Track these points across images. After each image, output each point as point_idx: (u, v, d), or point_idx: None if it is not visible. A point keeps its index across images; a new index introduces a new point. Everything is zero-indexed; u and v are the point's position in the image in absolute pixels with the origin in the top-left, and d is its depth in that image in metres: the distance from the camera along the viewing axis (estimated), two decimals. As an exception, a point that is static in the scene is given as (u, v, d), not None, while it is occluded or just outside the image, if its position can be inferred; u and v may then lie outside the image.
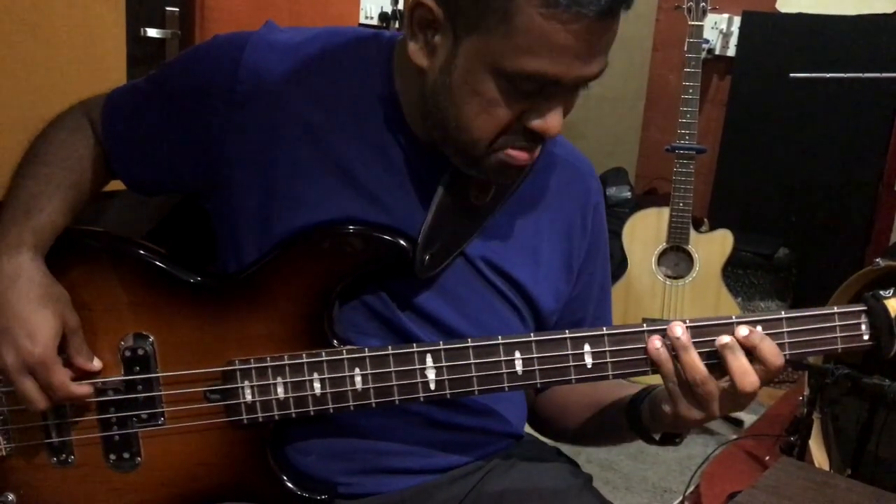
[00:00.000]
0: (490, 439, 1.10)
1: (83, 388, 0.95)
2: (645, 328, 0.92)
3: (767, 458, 2.46)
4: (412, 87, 0.95)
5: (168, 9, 2.10)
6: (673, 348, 0.89)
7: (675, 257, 2.79)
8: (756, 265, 3.20)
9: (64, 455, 0.98)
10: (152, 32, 2.08)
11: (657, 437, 1.00)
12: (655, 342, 0.90)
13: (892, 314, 0.92)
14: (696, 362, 0.88)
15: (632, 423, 1.01)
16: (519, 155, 0.91)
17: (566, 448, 1.18)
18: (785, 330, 0.92)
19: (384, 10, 2.89)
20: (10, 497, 0.98)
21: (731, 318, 0.92)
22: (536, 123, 0.88)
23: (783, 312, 0.92)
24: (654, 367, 0.91)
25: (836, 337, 0.92)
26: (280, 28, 1.02)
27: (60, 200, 0.98)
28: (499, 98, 0.86)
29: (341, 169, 0.97)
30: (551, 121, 0.88)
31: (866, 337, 0.93)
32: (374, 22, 2.86)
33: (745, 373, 0.87)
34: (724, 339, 0.88)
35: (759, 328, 0.90)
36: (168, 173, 1.04)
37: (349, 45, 1.00)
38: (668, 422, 0.94)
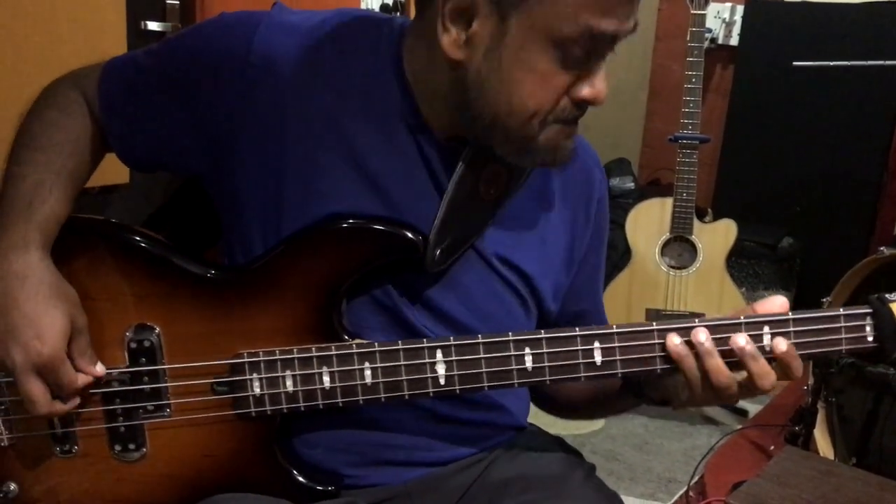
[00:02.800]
0: (494, 431, 1.10)
1: (90, 387, 0.94)
2: (654, 327, 0.93)
3: (772, 447, 2.46)
4: (429, 78, 0.94)
5: (168, 1, 2.10)
6: (697, 354, 0.91)
7: (679, 247, 2.78)
8: (760, 255, 3.19)
9: (68, 445, 0.97)
10: (153, 25, 2.07)
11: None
12: (674, 338, 0.91)
13: None
14: (720, 366, 0.91)
15: (630, 387, 1.03)
16: (566, 131, 0.93)
17: (569, 438, 1.18)
18: (791, 330, 0.94)
19: (385, 0, 2.88)
20: (13, 487, 0.97)
21: (739, 318, 0.94)
22: (587, 92, 0.90)
23: (790, 313, 0.94)
24: (675, 363, 0.92)
25: (840, 338, 0.95)
26: (291, 10, 1.00)
27: (61, 189, 0.96)
28: (553, 69, 0.87)
29: (353, 158, 0.96)
30: (600, 85, 0.90)
31: (870, 339, 0.95)
32: (376, 13, 2.85)
33: (765, 375, 0.91)
34: (740, 340, 0.90)
35: (766, 328, 0.92)
36: (170, 154, 1.01)
37: (361, 32, 0.98)
38: (678, 400, 0.97)
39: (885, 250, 2.13)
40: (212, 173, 1.00)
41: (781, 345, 0.91)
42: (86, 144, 1.02)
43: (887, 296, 0.96)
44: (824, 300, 2.25)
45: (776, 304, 0.94)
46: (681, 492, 2.36)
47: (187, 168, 1.03)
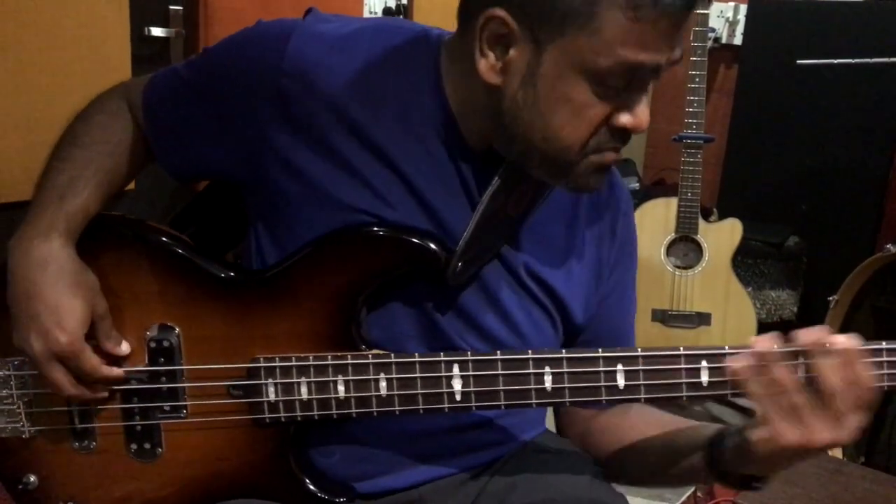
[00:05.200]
0: (512, 436, 1.10)
1: (115, 371, 0.96)
2: (682, 352, 0.89)
3: (780, 447, 2.45)
4: (466, 95, 0.94)
5: (172, 7, 2.10)
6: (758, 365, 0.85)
7: (685, 247, 2.78)
8: (766, 254, 3.18)
9: (86, 441, 0.99)
10: (156, 31, 2.08)
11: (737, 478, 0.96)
12: (736, 363, 0.86)
13: None
14: (783, 372, 0.84)
15: (711, 463, 0.96)
16: (609, 156, 0.91)
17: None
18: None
19: (388, 4, 2.88)
20: (32, 478, 1.00)
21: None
22: (627, 120, 0.88)
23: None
24: (740, 387, 0.86)
25: (883, 374, 0.85)
26: (325, 17, 1.00)
27: (95, 186, 0.98)
28: (589, 100, 0.86)
29: (389, 165, 0.95)
30: (641, 115, 0.88)
31: None
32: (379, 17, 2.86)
33: (832, 368, 0.82)
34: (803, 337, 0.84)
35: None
36: (210, 163, 1.03)
37: (397, 42, 0.98)
38: (764, 453, 0.87)
39: (891, 248, 2.13)
40: (248, 181, 1.01)
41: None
42: (126, 148, 1.04)
43: None
44: (831, 299, 2.25)
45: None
46: (689, 492, 2.35)
47: (225, 177, 1.05)
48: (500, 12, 0.84)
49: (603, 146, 0.90)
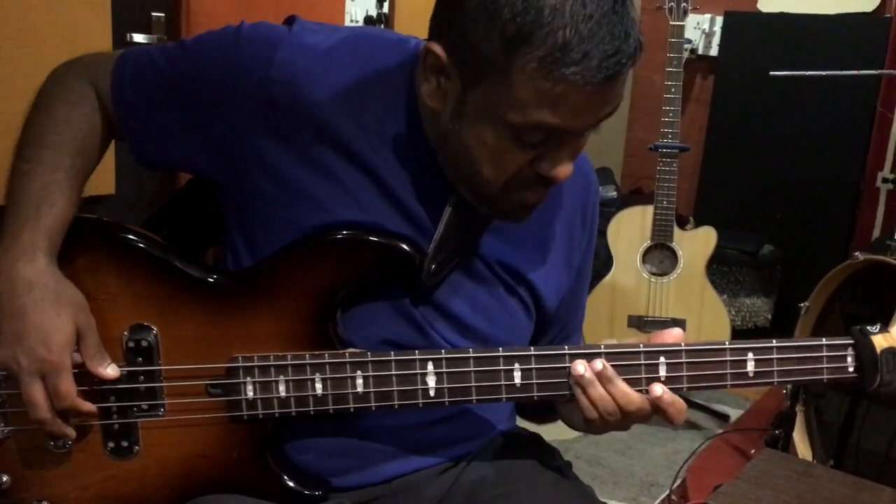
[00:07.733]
0: (484, 431, 1.12)
1: (87, 406, 0.96)
2: (642, 348, 0.96)
3: (753, 451, 2.49)
4: (429, 109, 0.96)
5: (154, 14, 2.11)
6: (599, 379, 0.94)
7: (660, 255, 2.82)
8: (741, 262, 3.23)
9: (62, 441, 0.98)
10: (138, 38, 2.08)
11: None
12: (578, 367, 0.94)
13: (878, 350, 0.98)
14: (603, 394, 0.94)
15: None
16: (531, 197, 0.94)
17: (553, 443, 1.19)
18: (774, 357, 0.97)
19: (369, 13, 2.90)
20: (5, 479, 0.99)
21: (724, 342, 0.97)
22: (546, 170, 0.90)
23: (774, 341, 0.97)
24: (575, 389, 0.95)
25: (822, 367, 0.98)
26: (311, 27, 1.02)
27: (69, 189, 0.98)
28: (506, 148, 0.88)
29: (366, 172, 0.98)
30: (561, 169, 0.90)
31: (851, 369, 0.98)
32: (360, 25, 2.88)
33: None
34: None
35: (751, 355, 0.95)
36: (184, 157, 1.03)
37: (378, 53, 1.01)
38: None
39: (859, 255, 2.17)
40: (224, 180, 1.02)
41: (656, 390, 0.94)
42: (94, 141, 1.03)
43: (869, 328, 0.99)
44: (802, 305, 2.29)
45: (672, 335, 0.97)
46: (663, 495, 2.39)
47: (200, 173, 1.05)
48: (436, 47, 0.88)
49: (526, 187, 0.93)
